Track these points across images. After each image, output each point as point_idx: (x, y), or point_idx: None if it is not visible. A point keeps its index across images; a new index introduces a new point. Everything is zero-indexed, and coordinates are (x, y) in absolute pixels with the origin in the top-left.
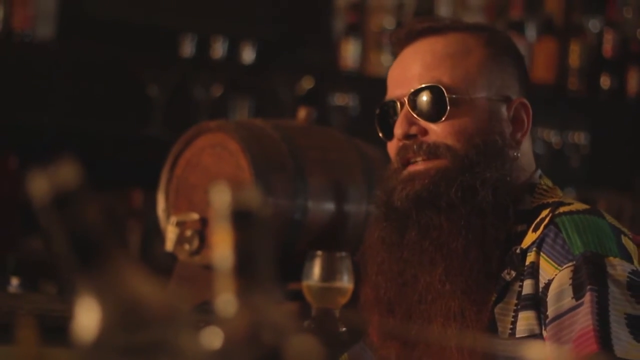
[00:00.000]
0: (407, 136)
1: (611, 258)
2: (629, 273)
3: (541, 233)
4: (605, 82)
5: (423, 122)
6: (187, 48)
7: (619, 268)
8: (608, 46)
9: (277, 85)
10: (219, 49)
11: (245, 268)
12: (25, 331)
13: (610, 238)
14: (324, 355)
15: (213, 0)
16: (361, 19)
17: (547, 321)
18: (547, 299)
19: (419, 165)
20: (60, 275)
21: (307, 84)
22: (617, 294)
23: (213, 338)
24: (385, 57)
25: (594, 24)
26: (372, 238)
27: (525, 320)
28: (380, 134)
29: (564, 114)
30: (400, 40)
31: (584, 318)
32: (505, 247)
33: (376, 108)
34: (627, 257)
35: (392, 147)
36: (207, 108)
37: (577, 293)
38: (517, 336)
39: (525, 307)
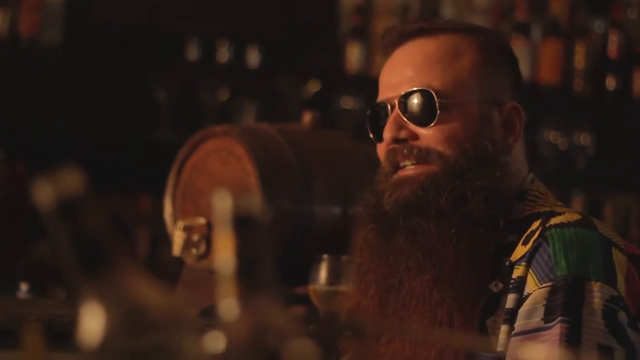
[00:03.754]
0: (396, 140)
1: (592, 283)
2: (606, 300)
3: (531, 247)
4: (610, 83)
5: (413, 126)
6: (193, 52)
7: (597, 295)
8: (613, 47)
9: (283, 88)
10: (224, 53)
11: (247, 273)
12: (32, 337)
13: (597, 256)
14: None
15: (218, 4)
16: (366, 22)
17: (512, 332)
18: (519, 312)
19: (408, 170)
20: (68, 280)
21: (313, 87)
22: (591, 323)
23: (216, 342)
24: None
25: (598, 25)
26: (359, 241)
27: (504, 334)
28: (371, 136)
29: (569, 116)
30: (392, 41)
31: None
32: (495, 258)
33: (367, 109)
34: (611, 279)
35: (381, 149)
36: (214, 112)
37: (548, 316)
38: (498, 349)
39: (504, 321)
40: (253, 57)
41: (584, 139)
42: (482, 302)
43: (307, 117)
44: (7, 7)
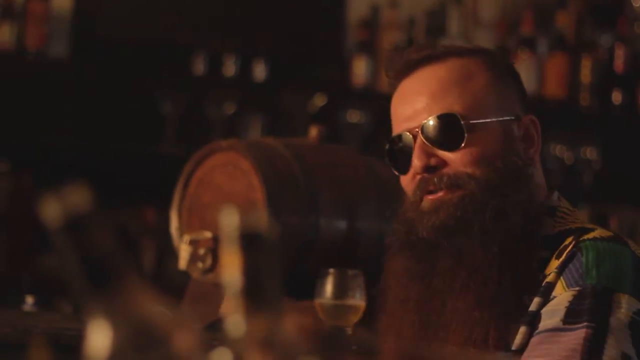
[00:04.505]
0: (427, 168)
1: (620, 295)
2: (634, 313)
3: (565, 258)
4: (616, 97)
5: (441, 153)
6: (200, 66)
7: (624, 307)
8: (619, 61)
9: (289, 102)
10: (231, 67)
11: (254, 289)
12: (38, 350)
13: (628, 271)
14: None
15: (225, 18)
16: (373, 36)
17: (535, 331)
18: (542, 312)
19: (438, 194)
20: (74, 293)
21: (319, 101)
22: (618, 331)
23: (222, 358)
24: None
25: (605, 40)
26: (394, 269)
27: (521, 334)
28: (394, 170)
29: (575, 130)
30: (399, 72)
31: (573, 353)
32: (530, 272)
33: (385, 143)
34: (639, 294)
35: (407, 180)
36: (220, 126)
37: (569, 317)
38: (512, 349)
39: (524, 323)
40: (259, 71)
41: (590, 153)
42: (518, 317)
43: (313, 131)
44: (14, 20)
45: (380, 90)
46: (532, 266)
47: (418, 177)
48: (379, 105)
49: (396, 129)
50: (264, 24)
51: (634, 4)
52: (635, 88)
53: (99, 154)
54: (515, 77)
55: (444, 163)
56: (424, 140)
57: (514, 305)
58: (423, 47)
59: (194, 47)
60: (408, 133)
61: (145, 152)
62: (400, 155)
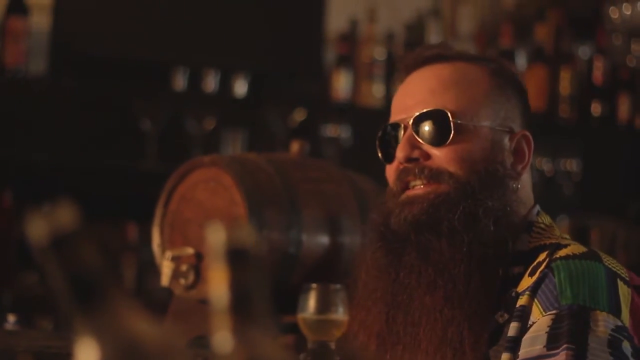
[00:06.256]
0: (409, 159)
1: (597, 312)
2: (612, 330)
3: (537, 278)
4: (596, 108)
5: (426, 146)
6: (180, 81)
7: (602, 324)
8: (598, 73)
9: (269, 117)
10: (211, 82)
11: (241, 305)
12: None
13: (603, 288)
14: None
15: (205, 33)
16: (352, 50)
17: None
18: (523, 339)
19: (417, 190)
20: (56, 311)
21: (299, 116)
22: (597, 350)
23: None
24: (376, 88)
25: (583, 51)
26: (365, 259)
27: None
28: (381, 157)
29: (555, 141)
30: (408, 66)
31: None
32: (502, 288)
33: (379, 130)
34: (615, 310)
35: (391, 170)
36: (200, 141)
37: (550, 343)
38: None
39: (506, 349)
40: (239, 87)
41: (570, 164)
42: (488, 331)
43: (295, 146)
44: None
45: (360, 104)
46: (498, 273)
47: (400, 167)
48: (359, 119)
49: (391, 119)
50: (244, 39)
51: (612, 16)
52: (614, 99)
53: (79, 170)
54: (521, 92)
55: (427, 156)
56: (412, 132)
57: (484, 307)
58: (436, 46)
59: (173, 63)
60: (399, 123)
61: (125, 168)
62: (388, 145)
